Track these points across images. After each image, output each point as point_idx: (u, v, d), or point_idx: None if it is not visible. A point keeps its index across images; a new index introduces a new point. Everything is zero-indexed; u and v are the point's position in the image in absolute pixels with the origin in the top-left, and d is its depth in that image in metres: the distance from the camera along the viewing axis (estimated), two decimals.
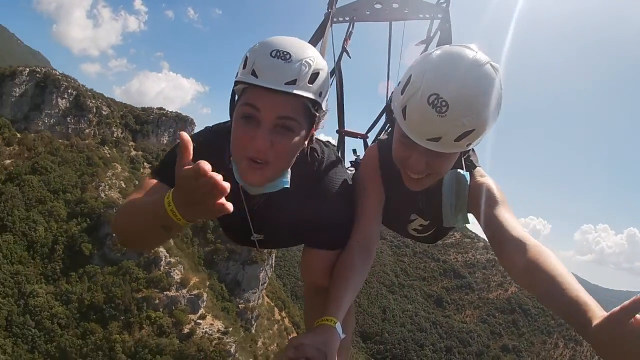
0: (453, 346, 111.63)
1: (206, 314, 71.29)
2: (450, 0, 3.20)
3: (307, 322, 1.95)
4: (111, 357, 60.99)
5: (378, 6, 3.50)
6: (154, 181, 1.81)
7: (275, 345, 78.65)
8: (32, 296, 64.96)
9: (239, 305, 79.32)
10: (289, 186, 1.71)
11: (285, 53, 1.49)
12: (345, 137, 3.39)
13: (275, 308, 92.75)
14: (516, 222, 1.75)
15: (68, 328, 64.08)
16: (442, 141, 1.65)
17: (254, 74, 1.49)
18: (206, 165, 1.13)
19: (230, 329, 69.49)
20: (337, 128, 3.19)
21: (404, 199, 2.13)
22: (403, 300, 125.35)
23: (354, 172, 2.51)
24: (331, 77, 2.99)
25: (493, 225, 1.76)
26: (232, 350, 65.45)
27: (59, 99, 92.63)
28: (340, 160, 1.98)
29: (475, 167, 2.03)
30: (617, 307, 1.13)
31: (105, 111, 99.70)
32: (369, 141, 3.25)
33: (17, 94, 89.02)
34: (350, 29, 3.60)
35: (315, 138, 1.85)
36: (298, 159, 1.73)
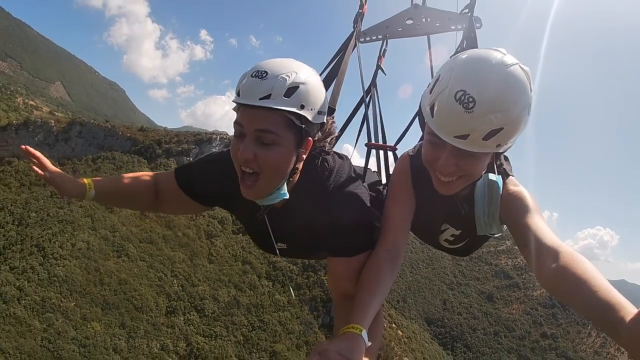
0: (500, 331, 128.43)
1: None
2: (474, 9, 3.25)
3: (337, 329, 1.86)
4: (324, 286, 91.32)
5: (409, 22, 3.54)
6: (171, 175, 2.25)
7: None
8: (277, 261, 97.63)
9: None
10: (287, 197, 1.86)
11: (262, 72, 1.66)
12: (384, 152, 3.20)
13: None
14: (549, 230, 1.71)
15: (298, 275, 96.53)
16: (470, 139, 1.66)
17: (238, 94, 1.71)
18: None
19: None
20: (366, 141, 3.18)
21: (436, 208, 2.15)
22: (460, 295, 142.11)
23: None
24: (367, 95, 3.23)
25: (525, 234, 1.73)
26: None
27: None
28: (353, 170, 2.07)
29: (509, 176, 2.02)
30: None
31: None
32: (399, 153, 3.07)
33: None
34: (384, 47, 3.57)
35: (333, 151, 2.04)
36: (307, 169, 1.91)
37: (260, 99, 1.64)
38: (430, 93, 1.78)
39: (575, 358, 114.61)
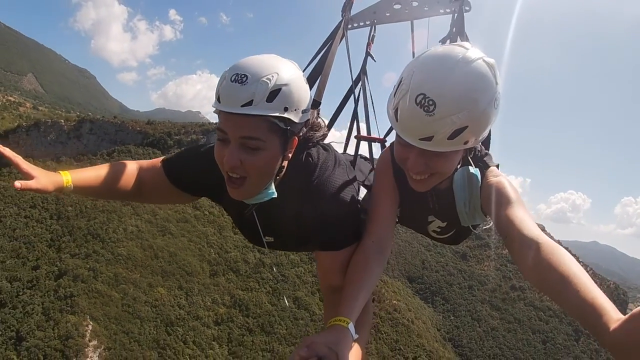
0: (474, 285, 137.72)
1: None
2: None
3: (326, 321, 1.90)
4: None
5: (397, 6, 3.49)
6: (159, 163, 2.19)
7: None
8: None
9: None
10: (275, 196, 1.86)
11: (242, 76, 1.61)
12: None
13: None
14: (530, 221, 1.70)
15: None
16: (435, 140, 1.68)
17: (218, 99, 1.66)
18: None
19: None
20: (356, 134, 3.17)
21: (419, 201, 2.18)
22: (437, 255, 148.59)
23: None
24: (356, 85, 3.22)
25: (505, 225, 1.72)
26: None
27: None
28: (338, 163, 2.03)
29: (489, 167, 2.05)
30: (638, 309, 1.05)
31: None
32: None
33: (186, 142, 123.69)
34: (372, 33, 3.52)
35: (322, 143, 2.03)
36: (292, 165, 1.90)
37: (241, 105, 1.60)
38: (394, 96, 1.81)
39: (542, 307, 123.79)
